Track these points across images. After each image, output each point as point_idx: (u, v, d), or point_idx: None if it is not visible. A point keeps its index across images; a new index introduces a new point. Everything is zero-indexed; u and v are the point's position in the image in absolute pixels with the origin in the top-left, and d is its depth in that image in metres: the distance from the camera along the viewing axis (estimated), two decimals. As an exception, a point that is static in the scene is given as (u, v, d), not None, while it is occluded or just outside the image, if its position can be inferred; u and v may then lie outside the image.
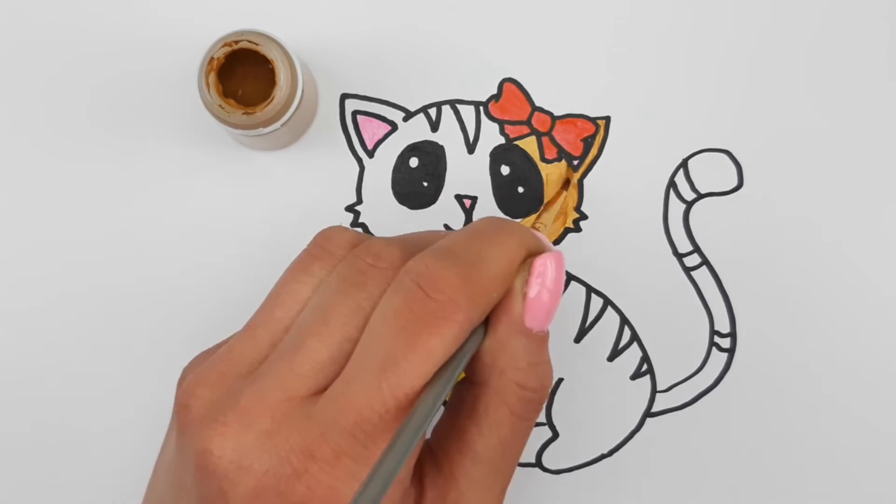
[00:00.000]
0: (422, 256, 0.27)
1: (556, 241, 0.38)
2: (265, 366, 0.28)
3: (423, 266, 0.27)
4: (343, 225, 0.30)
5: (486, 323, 0.29)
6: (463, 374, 0.30)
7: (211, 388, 0.28)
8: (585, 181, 0.39)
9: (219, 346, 0.30)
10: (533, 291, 0.28)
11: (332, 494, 0.25)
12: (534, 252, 0.29)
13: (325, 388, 0.27)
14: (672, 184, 0.39)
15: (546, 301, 0.29)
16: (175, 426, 0.28)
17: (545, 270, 0.29)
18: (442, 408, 0.29)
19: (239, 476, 0.26)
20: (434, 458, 0.29)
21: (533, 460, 0.38)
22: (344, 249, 0.29)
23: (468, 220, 0.38)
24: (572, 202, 0.39)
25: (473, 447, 0.29)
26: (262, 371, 0.27)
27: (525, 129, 0.39)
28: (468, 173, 0.38)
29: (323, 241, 0.30)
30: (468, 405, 0.29)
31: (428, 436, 0.30)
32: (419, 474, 0.29)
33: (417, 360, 0.26)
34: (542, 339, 0.29)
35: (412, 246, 0.29)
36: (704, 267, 0.38)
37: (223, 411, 0.26)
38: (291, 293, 0.29)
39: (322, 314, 0.28)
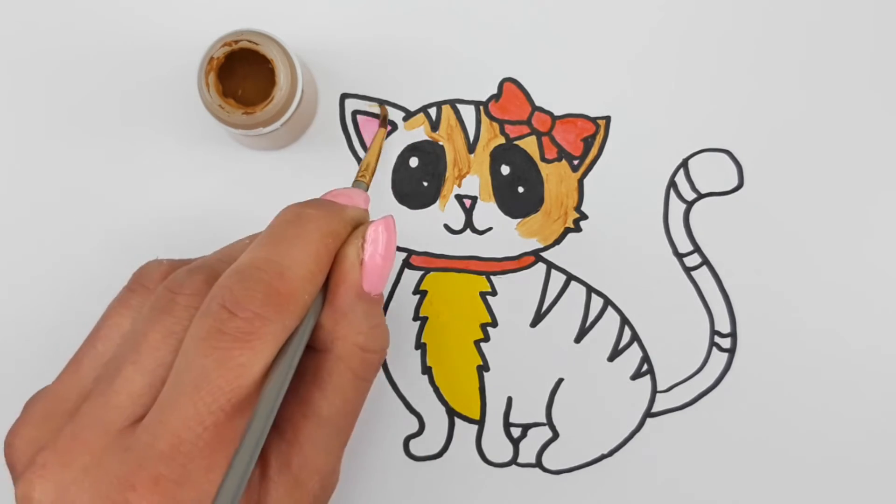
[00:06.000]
0: (224, 280, 0.27)
1: (557, 241, 0.38)
2: (86, 401, 0.28)
3: (226, 290, 0.27)
4: (159, 258, 0.32)
5: (323, 295, 0.30)
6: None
7: (35, 428, 0.28)
8: (585, 181, 0.39)
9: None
10: (368, 256, 0.30)
11: None
12: (359, 222, 0.31)
13: (143, 417, 0.27)
14: (672, 184, 0.39)
15: (380, 264, 0.30)
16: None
17: (377, 236, 0.30)
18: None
19: None
20: (276, 425, 0.30)
21: (533, 460, 0.38)
22: (157, 283, 0.30)
23: (468, 220, 0.38)
24: (572, 202, 0.39)
25: (318, 411, 0.29)
26: (83, 407, 0.27)
27: (525, 129, 0.39)
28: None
29: (139, 277, 0.31)
30: (310, 372, 0.30)
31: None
32: None
33: (231, 375, 0.26)
34: (378, 301, 0.30)
35: (218, 266, 0.29)
36: (705, 267, 0.38)
37: (42, 452, 0.27)
38: (113, 326, 0.30)
39: (135, 342, 0.28)
